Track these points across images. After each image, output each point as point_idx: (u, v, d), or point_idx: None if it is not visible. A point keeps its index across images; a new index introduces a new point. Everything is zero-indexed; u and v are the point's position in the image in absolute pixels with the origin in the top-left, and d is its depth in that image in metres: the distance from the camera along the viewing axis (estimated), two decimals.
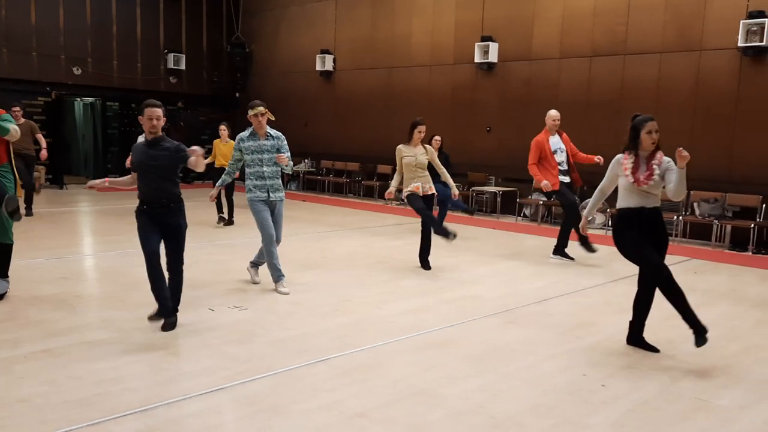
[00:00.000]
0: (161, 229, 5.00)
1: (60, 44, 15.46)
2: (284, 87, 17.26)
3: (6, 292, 5.69)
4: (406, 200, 7.56)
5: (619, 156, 5.02)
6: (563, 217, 8.60)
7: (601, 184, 5.19)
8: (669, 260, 8.64)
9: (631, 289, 6.96)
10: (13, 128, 5.52)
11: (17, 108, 10.87)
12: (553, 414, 3.73)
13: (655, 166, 4.87)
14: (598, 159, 8.22)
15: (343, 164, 15.81)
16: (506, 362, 4.56)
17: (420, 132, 7.54)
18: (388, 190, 7.50)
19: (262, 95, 17.88)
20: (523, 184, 11.86)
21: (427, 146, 7.71)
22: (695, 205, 10.26)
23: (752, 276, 7.92)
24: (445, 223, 8.37)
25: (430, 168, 8.94)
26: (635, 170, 4.87)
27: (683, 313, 4.73)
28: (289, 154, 6.38)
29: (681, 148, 4.73)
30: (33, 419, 3.43)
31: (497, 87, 12.90)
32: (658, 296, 6.67)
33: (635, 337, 5.02)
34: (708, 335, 4.61)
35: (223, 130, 10.75)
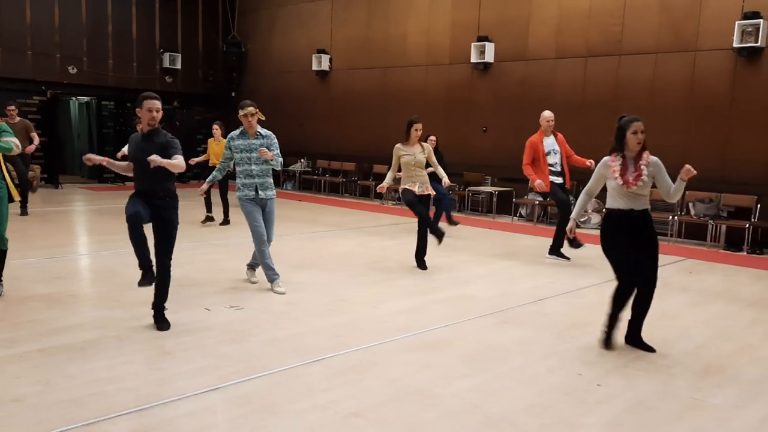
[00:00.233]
0: (152, 218, 4.95)
1: (55, 43, 15.42)
2: (280, 86, 17.25)
3: (1, 295, 5.68)
4: (401, 193, 7.60)
5: (606, 158, 5.00)
6: (558, 218, 8.62)
7: (587, 186, 5.17)
8: (664, 260, 8.69)
9: None
10: (15, 144, 5.48)
11: (12, 107, 10.83)
12: (548, 413, 3.73)
13: (643, 167, 4.88)
14: (589, 163, 8.23)
15: (339, 164, 15.81)
16: (501, 362, 4.57)
17: (417, 130, 7.56)
18: (381, 185, 7.53)
19: (257, 95, 17.89)
20: (519, 185, 11.87)
21: (424, 144, 7.72)
22: (690, 205, 10.29)
23: (747, 276, 7.94)
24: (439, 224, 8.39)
25: (433, 173, 9.02)
26: (624, 172, 4.86)
27: (612, 319, 4.88)
28: (278, 152, 6.38)
29: (690, 168, 4.88)
30: (28, 419, 3.42)
31: (493, 87, 12.92)
32: (655, 295, 6.69)
33: (632, 336, 5.03)
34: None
35: (216, 129, 10.77)
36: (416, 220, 7.59)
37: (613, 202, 4.95)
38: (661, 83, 10.72)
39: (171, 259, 5.05)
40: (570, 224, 5.27)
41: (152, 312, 5.09)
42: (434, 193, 7.81)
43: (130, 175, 5.18)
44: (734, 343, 5.21)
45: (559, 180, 8.33)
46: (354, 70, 15.55)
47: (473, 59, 12.89)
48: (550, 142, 8.38)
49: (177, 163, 4.87)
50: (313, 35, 16.30)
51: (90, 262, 7.57)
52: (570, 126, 11.63)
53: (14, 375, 3.98)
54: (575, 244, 7.88)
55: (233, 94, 18.62)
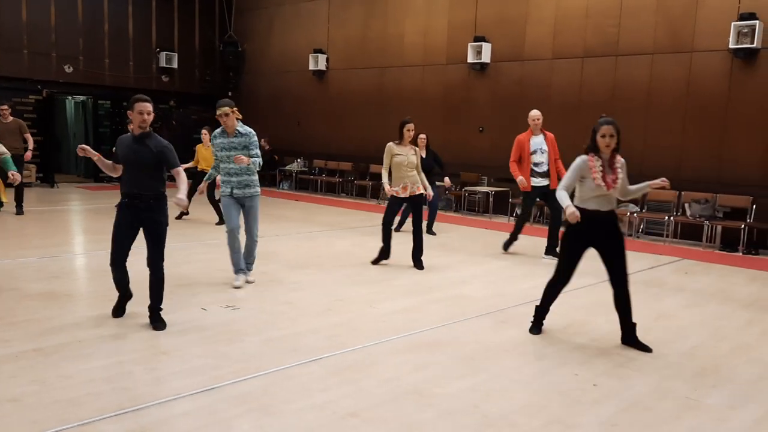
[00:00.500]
0: (141, 224, 5.01)
1: (51, 42, 15.38)
2: (277, 86, 17.24)
3: None
4: (389, 198, 7.65)
5: (585, 157, 4.99)
6: (550, 218, 8.66)
7: (564, 182, 5.13)
8: (660, 261, 8.73)
9: None
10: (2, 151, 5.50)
11: (5, 106, 10.81)
12: (544, 413, 3.74)
13: (619, 169, 4.95)
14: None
15: (335, 164, 15.80)
16: (498, 362, 4.57)
17: (409, 130, 7.58)
18: (391, 192, 7.51)
19: (254, 94, 17.90)
20: (516, 185, 11.85)
21: (416, 148, 7.75)
22: (686, 205, 10.31)
23: (742, 276, 7.96)
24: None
25: (427, 173, 9.05)
26: (604, 174, 4.91)
27: (543, 308, 5.23)
28: (256, 151, 6.41)
29: (666, 182, 5.00)
30: (23, 419, 3.41)
31: (490, 87, 12.93)
32: (649, 297, 6.72)
33: (628, 336, 5.05)
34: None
35: (205, 134, 10.70)
36: (411, 220, 7.62)
37: (582, 202, 4.98)
38: (658, 84, 10.75)
39: (163, 260, 5.07)
40: (569, 211, 4.95)
41: (148, 313, 5.09)
42: (430, 194, 7.80)
43: (115, 175, 5.22)
44: (730, 344, 5.22)
45: (544, 182, 8.32)
46: (351, 70, 15.55)
47: (470, 59, 12.90)
48: (537, 141, 8.41)
49: (185, 178, 5.07)
50: (310, 35, 16.29)
51: (86, 261, 7.55)
52: (566, 126, 11.65)
53: (10, 375, 3.97)
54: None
55: (230, 93, 18.59)
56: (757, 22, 9.53)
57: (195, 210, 10.86)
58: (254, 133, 6.47)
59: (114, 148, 5.27)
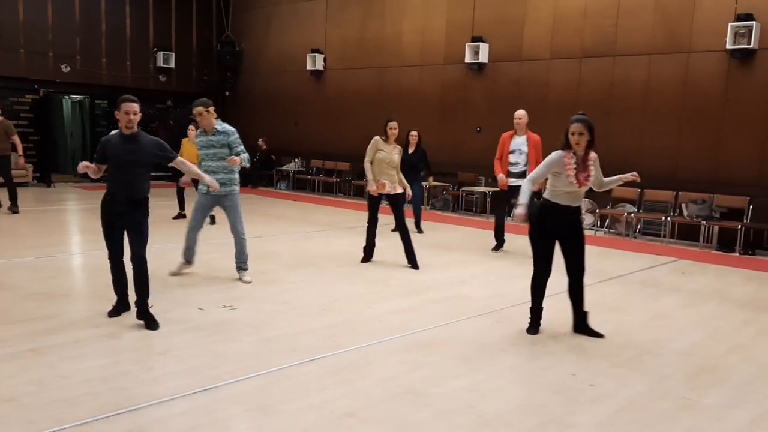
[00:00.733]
0: (123, 224, 5.08)
1: (48, 41, 15.34)
2: (274, 86, 17.23)
3: None
4: (367, 192, 7.79)
5: (561, 153, 5.03)
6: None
7: (534, 174, 5.22)
8: (657, 261, 8.74)
9: (619, 289, 7.04)
10: None
11: None
12: (541, 413, 3.75)
13: (591, 167, 5.01)
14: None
15: (333, 164, 15.79)
16: (495, 362, 4.58)
17: (391, 128, 7.69)
18: (373, 189, 7.61)
19: (252, 94, 17.89)
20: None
21: (399, 147, 7.86)
22: (683, 206, 10.33)
23: (739, 276, 7.98)
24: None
25: (411, 168, 9.17)
26: (578, 171, 4.97)
27: (535, 307, 5.28)
28: (242, 148, 6.49)
29: (636, 176, 5.25)
30: (20, 419, 3.41)
31: (487, 87, 12.94)
32: (647, 296, 6.73)
33: (580, 324, 5.26)
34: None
35: (192, 130, 10.63)
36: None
37: (554, 196, 5.06)
38: (655, 84, 10.77)
39: (145, 251, 5.09)
40: (518, 211, 5.10)
41: (137, 311, 5.10)
42: (409, 193, 7.86)
43: (95, 176, 5.24)
44: (726, 344, 5.23)
45: (518, 182, 8.28)
46: (349, 70, 15.54)
47: (468, 59, 12.91)
48: (518, 141, 8.49)
49: (189, 164, 5.33)
50: (307, 35, 16.28)
51: (82, 261, 7.54)
52: (563, 126, 11.66)
53: (7, 374, 3.96)
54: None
55: (227, 93, 18.60)
56: (754, 22, 9.55)
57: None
58: (234, 130, 6.57)
59: (98, 150, 5.25)
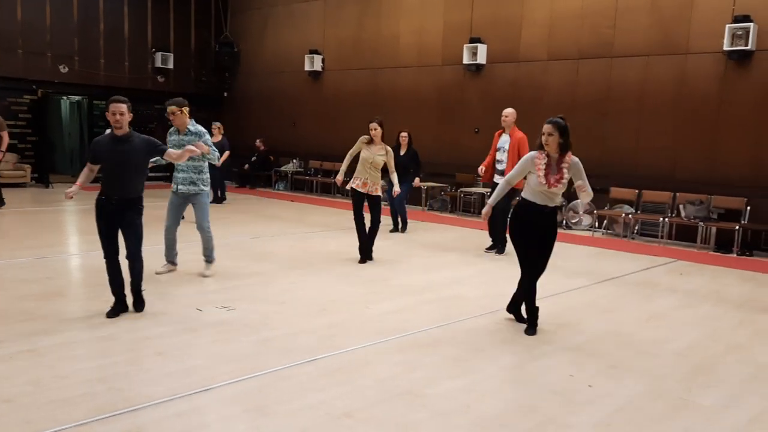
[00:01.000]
0: (118, 224, 5.21)
1: (46, 42, 15.33)
2: (272, 87, 17.23)
3: None
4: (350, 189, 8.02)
5: (534, 153, 5.16)
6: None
7: (509, 175, 5.39)
8: (655, 262, 8.75)
9: (616, 290, 7.05)
10: None
11: None
12: (538, 414, 3.75)
13: (565, 170, 5.04)
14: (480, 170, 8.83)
15: (331, 164, 15.78)
16: (492, 362, 4.59)
17: (372, 129, 7.86)
18: (337, 177, 8.08)
19: (250, 95, 17.89)
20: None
21: (388, 148, 7.88)
22: (681, 207, 10.35)
23: (736, 277, 8.00)
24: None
25: (402, 169, 9.44)
26: (548, 172, 5.03)
27: (530, 307, 5.33)
28: (211, 148, 6.63)
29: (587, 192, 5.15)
30: (18, 419, 3.41)
31: (484, 88, 12.95)
32: (645, 297, 6.75)
33: (513, 306, 5.52)
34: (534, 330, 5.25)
35: None
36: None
37: (530, 195, 5.17)
38: (652, 85, 10.79)
39: (140, 249, 5.30)
40: (485, 209, 5.54)
41: (132, 295, 5.35)
42: (396, 190, 8.11)
43: (91, 178, 5.41)
44: (723, 344, 5.25)
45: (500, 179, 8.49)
46: (346, 71, 15.55)
47: (465, 60, 12.92)
48: (504, 139, 8.66)
49: (177, 151, 5.37)
50: (305, 36, 16.29)
51: (80, 261, 7.54)
52: None
53: (4, 375, 3.96)
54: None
55: (225, 94, 18.59)
56: (751, 24, 9.57)
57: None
58: (206, 131, 6.76)
59: (89, 150, 5.37)
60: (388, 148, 7.91)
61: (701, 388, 4.27)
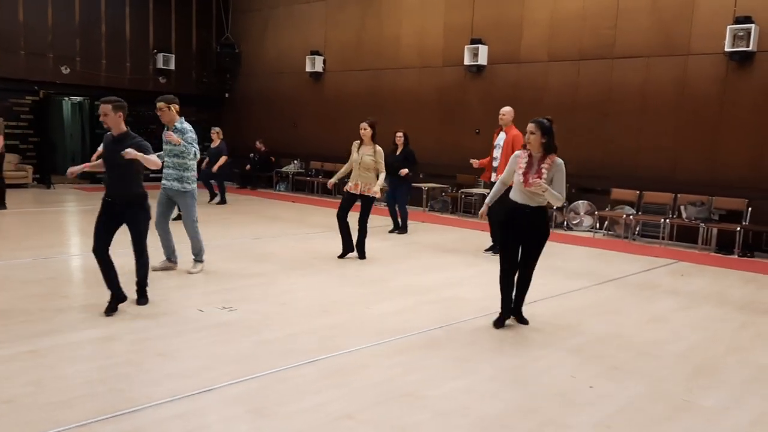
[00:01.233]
0: (120, 222, 5.36)
1: (48, 43, 15.35)
2: (273, 88, 17.24)
3: None
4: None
5: (519, 152, 5.26)
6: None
7: (503, 175, 5.45)
8: (656, 263, 8.75)
9: (617, 291, 7.04)
10: None
11: None
12: (538, 415, 3.75)
13: (544, 170, 5.07)
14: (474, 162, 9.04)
15: (332, 165, 15.76)
16: (492, 363, 4.58)
17: (361, 129, 8.06)
18: (330, 180, 8.29)
19: (251, 96, 17.90)
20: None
21: (377, 148, 7.92)
22: (682, 208, 10.34)
23: (737, 279, 7.99)
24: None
25: (397, 170, 9.71)
26: (528, 170, 5.09)
27: (503, 299, 5.37)
28: (194, 146, 6.74)
29: (536, 181, 5.05)
30: (18, 420, 3.41)
31: (485, 89, 12.94)
32: (646, 298, 6.75)
33: (515, 309, 5.48)
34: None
35: None
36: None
37: (513, 193, 5.24)
38: (653, 86, 10.78)
39: (145, 245, 5.49)
40: (482, 209, 5.60)
41: (136, 288, 5.55)
42: (377, 195, 8.10)
43: (96, 167, 5.65)
44: (724, 346, 5.24)
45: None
46: (347, 72, 15.55)
47: (466, 61, 12.92)
48: (500, 137, 8.70)
49: (150, 158, 5.22)
50: (306, 37, 16.30)
51: (81, 262, 7.54)
52: (561, 129, 11.64)
53: (5, 376, 3.97)
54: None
55: (227, 95, 18.60)
56: (753, 25, 9.57)
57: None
58: (190, 129, 6.82)
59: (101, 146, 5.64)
60: (378, 148, 8.03)
61: (702, 389, 4.26)
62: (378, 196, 8.08)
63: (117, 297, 5.35)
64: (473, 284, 7.03)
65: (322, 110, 16.10)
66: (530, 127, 5.10)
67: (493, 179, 8.57)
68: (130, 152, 5.03)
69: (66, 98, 17.66)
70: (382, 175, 8.13)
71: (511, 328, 5.44)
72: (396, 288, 6.72)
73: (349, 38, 15.42)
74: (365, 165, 7.92)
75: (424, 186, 13.45)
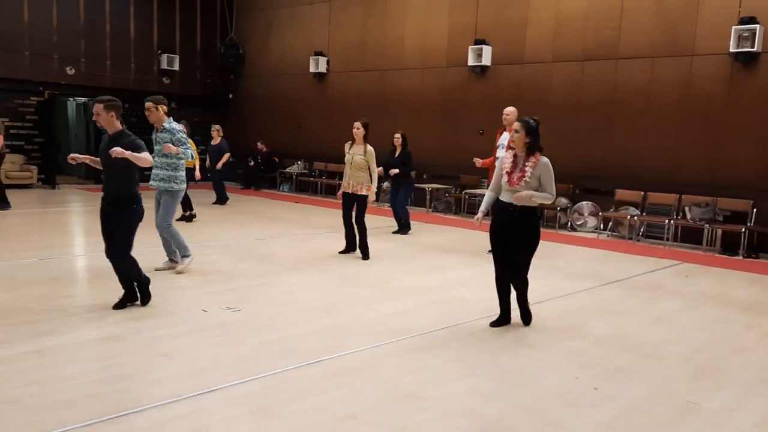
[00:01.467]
0: (110, 222, 5.37)
1: (53, 43, 15.39)
2: (277, 88, 17.25)
3: None
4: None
5: (504, 154, 5.30)
6: None
7: (490, 185, 5.47)
8: (660, 264, 8.73)
9: (621, 292, 7.03)
10: None
11: None
12: (542, 416, 3.74)
13: (528, 169, 5.06)
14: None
15: (335, 166, 15.78)
16: (496, 364, 4.58)
17: (354, 128, 8.20)
18: (339, 192, 8.33)
19: (255, 96, 17.92)
20: None
21: (368, 148, 8.05)
22: (687, 209, 10.31)
23: (742, 280, 7.97)
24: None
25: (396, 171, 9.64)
26: (512, 169, 5.11)
27: (509, 304, 5.39)
28: (186, 146, 6.75)
29: (519, 196, 5.05)
30: (23, 420, 3.42)
31: (489, 90, 12.93)
32: (650, 299, 6.73)
33: (508, 316, 5.45)
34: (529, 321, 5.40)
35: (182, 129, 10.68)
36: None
37: (502, 195, 5.26)
38: (657, 87, 10.76)
39: (124, 255, 5.36)
40: (478, 215, 5.54)
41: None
42: (372, 196, 8.17)
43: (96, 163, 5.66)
44: (729, 347, 5.23)
45: None
46: (351, 73, 15.56)
47: (470, 62, 12.92)
48: (504, 137, 8.65)
49: (142, 156, 5.22)
50: (310, 37, 16.31)
51: (86, 262, 7.56)
52: (565, 129, 11.67)
53: (10, 376, 3.98)
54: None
55: (230, 95, 18.63)
56: (758, 26, 9.54)
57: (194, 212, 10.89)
58: (180, 129, 6.85)
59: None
60: (369, 148, 8.11)
61: (706, 391, 4.25)
62: (372, 199, 8.16)
63: (128, 295, 5.46)
64: (476, 285, 7.02)
65: (325, 111, 16.11)
66: (516, 125, 5.12)
67: None
68: (117, 150, 5.03)
69: (71, 99, 17.72)
70: (376, 179, 8.20)
71: (513, 328, 5.43)
72: (398, 288, 6.72)
73: (353, 39, 15.43)
74: (356, 165, 8.04)
75: (428, 187, 13.45)
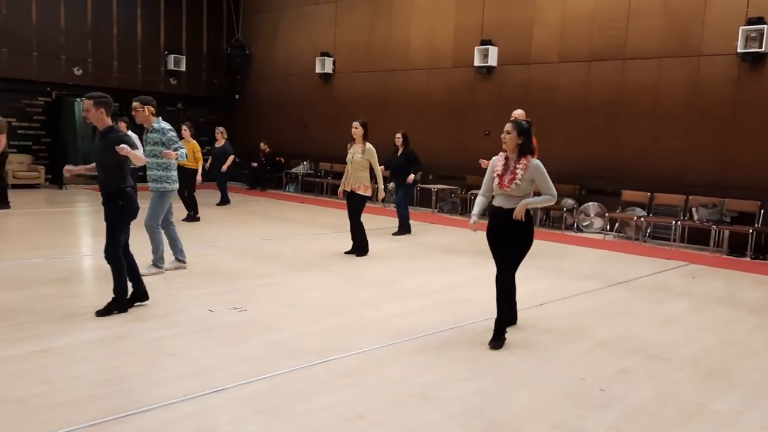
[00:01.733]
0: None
1: (60, 44, 15.46)
2: (283, 89, 17.28)
3: None
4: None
5: (494, 158, 5.24)
6: None
7: (480, 190, 5.38)
8: (667, 265, 8.70)
9: (628, 293, 7.01)
10: None
11: None
12: (549, 417, 3.74)
13: (519, 171, 5.01)
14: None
15: (341, 166, 15.75)
16: (503, 365, 4.57)
17: (353, 128, 8.13)
18: (340, 189, 8.41)
19: (261, 97, 17.96)
20: None
21: (367, 147, 8.06)
22: (694, 210, 10.27)
23: (750, 281, 7.93)
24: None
25: (399, 171, 9.81)
26: (503, 172, 5.06)
27: (499, 313, 5.08)
28: (177, 145, 6.74)
29: (516, 213, 4.97)
30: (31, 419, 3.43)
31: (495, 91, 12.92)
32: (657, 300, 6.71)
33: (511, 320, 5.34)
34: (503, 341, 4.97)
35: (186, 130, 10.71)
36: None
37: (494, 198, 5.21)
38: (665, 88, 10.72)
39: (110, 253, 5.35)
40: (472, 219, 5.36)
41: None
42: (367, 193, 8.20)
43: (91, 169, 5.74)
44: (737, 349, 5.20)
45: None
46: (357, 73, 15.57)
47: (476, 63, 12.90)
48: None
49: (138, 154, 5.31)
50: (316, 38, 16.33)
51: (93, 262, 7.58)
52: (572, 130, 11.64)
53: (17, 375, 3.99)
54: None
55: (237, 96, 18.67)
56: (766, 26, 9.50)
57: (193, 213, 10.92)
58: (169, 129, 6.81)
59: None
60: (368, 147, 8.13)
61: (714, 393, 4.23)
62: (381, 196, 8.36)
63: (135, 294, 5.52)
64: (481, 286, 7.00)
65: (331, 111, 16.12)
66: (507, 126, 5.09)
67: None
68: (124, 148, 5.08)
69: (78, 99, 17.75)
70: (380, 177, 8.26)
71: (520, 329, 5.42)
72: (404, 289, 6.71)
73: (359, 40, 15.44)
74: (356, 164, 8.09)
75: (434, 187, 13.44)
